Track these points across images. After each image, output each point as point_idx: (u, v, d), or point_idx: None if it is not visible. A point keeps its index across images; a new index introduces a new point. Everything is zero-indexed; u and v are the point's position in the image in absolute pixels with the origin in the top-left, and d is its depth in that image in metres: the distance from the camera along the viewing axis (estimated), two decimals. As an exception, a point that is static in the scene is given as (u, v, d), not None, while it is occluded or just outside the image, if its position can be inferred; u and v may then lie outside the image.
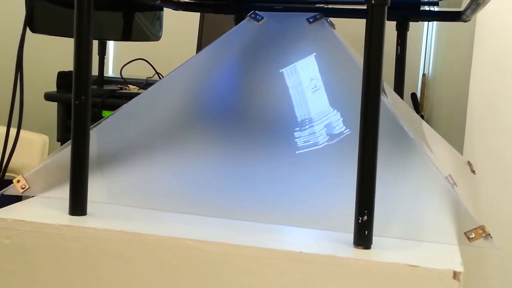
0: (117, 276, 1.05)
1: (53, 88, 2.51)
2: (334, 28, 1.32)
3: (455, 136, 2.06)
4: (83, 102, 1.10)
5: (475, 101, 2.04)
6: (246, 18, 1.33)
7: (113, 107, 1.32)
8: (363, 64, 1.02)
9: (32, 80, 2.15)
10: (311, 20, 1.29)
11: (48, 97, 2.47)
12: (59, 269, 1.07)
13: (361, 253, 1.00)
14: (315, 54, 1.25)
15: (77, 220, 1.10)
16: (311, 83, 1.23)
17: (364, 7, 1.01)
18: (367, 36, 1.01)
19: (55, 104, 2.49)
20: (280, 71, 1.25)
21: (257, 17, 1.32)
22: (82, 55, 1.10)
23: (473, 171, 1.72)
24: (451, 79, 2.60)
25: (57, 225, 1.07)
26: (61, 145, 1.44)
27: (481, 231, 1.06)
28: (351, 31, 1.42)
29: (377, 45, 1.01)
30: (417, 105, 2.53)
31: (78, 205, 1.12)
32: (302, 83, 1.24)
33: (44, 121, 2.69)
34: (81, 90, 1.10)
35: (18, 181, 1.21)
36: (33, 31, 2.06)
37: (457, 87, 2.30)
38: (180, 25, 2.66)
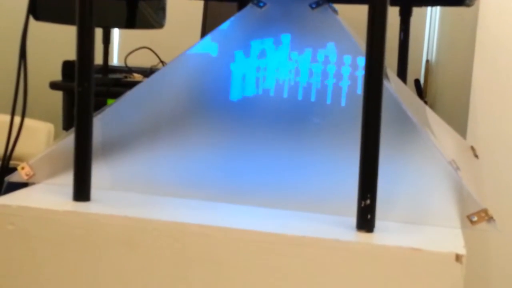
0: (121, 261, 1.05)
1: (59, 77, 2.51)
2: (337, 14, 1.32)
3: (459, 122, 2.06)
4: (86, 89, 1.11)
5: (479, 87, 2.04)
6: (249, 4, 1.32)
7: (118, 96, 1.32)
8: (366, 49, 1.02)
9: (38, 69, 2.15)
10: (313, 6, 1.29)
11: (54, 86, 2.47)
12: (63, 255, 1.07)
13: (364, 236, 1.01)
14: (317, 39, 1.25)
15: (81, 205, 1.11)
16: (313, 69, 1.23)
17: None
18: (370, 21, 1.01)
19: (61, 93, 2.50)
20: (283, 57, 1.25)
21: (260, 3, 1.32)
22: (84, 42, 1.11)
23: (476, 156, 1.72)
24: (454, 65, 2.59)
25: (61, 210, 1.07)
26: (66, 133, 1.44)
27: (483, 214, 1.07)
28: (354, 16, 1.42)
29: (380, 31, 1.01)
30: (421, 91, 2.52)
31: (82, 191, 1.13)
32: (304, 68, 1.24)
33: (50, 110, 2.69)
34: (84, 77, 1.11)
35: (23, 168, 1.22)
36: (36, 18, 2.07)
37: (460, 73, 2.29)
38: (184, 14, 2.66)
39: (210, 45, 1.30)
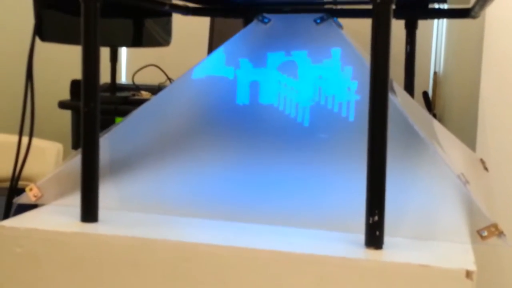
0: (129, 282, 1.05)
1: (67, 96, 2.52)
2: (342, 29, 1.32)
3: (468, 134, 2.05)
4: (92, 109, 1.11)
5: (487, 98, 2.03)
6: (254, 21, 1.33)
7: (126, 114, 1.32)
8: (370, 63, 1.01)
9: (47, 89, 2.16)
10: (318, 21, 1.29)
11: (62, 105, 2.48)
12: (72, 277, 1.07)
13: (373, 253, 1.00)
14: (323, 56, 1.25)
15: (89, 227, 1.10)
16: (319, 84, 1.23)
17: (371, 6, 1.00)
18: (373, 35, 1.01)
19: (70, 112, 2.50)
20: (289, 73, 1.25)
21: (264, 19, 1.32)
22: (90, 63, 1.11)
23: (486, 168, 1.71)
24: (462, 76, 2.58)
25: (69, 232, 1.07)
26: (75, 153, 1.44)
27: (494, 229, 1.05)
28: (359, 30, 1.41)
29: (383, 44, 1.01)
30: (429, 103, 2.52)
31: (89, 212, 1.12)
32: (310, 84, 1.23)
33: (60, 129, 2.70)
34: (90, 97, 1.11)
35: (31, 189, 1.22)
36: (42, 39, 2.08)
37: (468, 84, 2.28)
38: (191, 30, 2.67)
39: (216, 61, 1.30)
